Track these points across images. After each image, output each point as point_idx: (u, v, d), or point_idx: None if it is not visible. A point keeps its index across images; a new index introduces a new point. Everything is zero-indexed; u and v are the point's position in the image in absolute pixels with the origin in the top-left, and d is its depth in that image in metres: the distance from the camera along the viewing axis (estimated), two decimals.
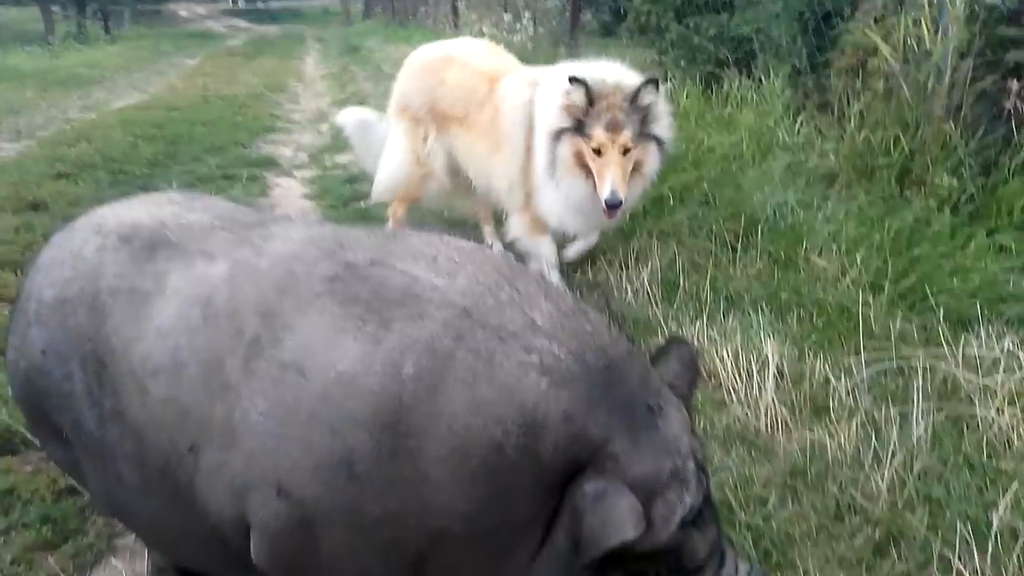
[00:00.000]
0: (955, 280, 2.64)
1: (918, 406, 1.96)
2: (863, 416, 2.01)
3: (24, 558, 1.72)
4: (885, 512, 1.70)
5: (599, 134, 2.54)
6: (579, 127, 2.59)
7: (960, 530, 1.59)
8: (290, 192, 4.97)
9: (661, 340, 2.50)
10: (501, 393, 1.05)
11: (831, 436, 1.96)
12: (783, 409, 2.12)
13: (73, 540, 1.79)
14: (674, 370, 1.23)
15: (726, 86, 5.15)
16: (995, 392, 1.99)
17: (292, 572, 1.23)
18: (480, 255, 1.24)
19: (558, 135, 2.63)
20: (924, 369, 2.12)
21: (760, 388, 2.19)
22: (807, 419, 2.09)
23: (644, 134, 2.60)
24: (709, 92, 5.32)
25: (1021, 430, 1.87)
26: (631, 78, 2.62)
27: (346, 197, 4.67)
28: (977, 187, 3.21)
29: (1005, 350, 2.18)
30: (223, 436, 1.18)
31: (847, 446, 1.92)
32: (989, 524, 1.59)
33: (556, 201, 2.78)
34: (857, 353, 2.30)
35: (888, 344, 2.29)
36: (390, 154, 3.30)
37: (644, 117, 2.59)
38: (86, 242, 1.41)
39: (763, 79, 5.07)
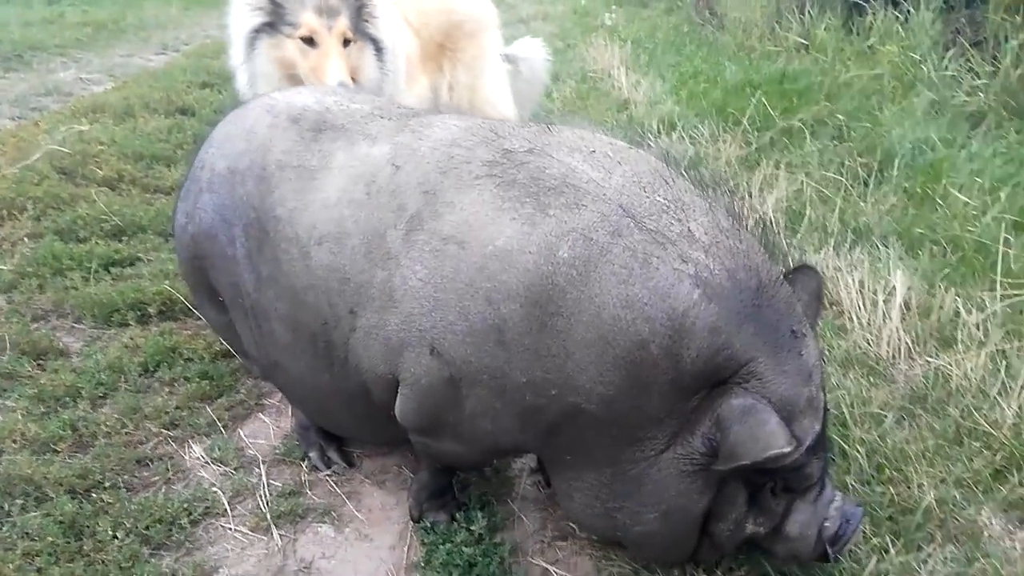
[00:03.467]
0: None
1: None
2: (993, 348, 1.96)
3: (187, 406, 1.93)
4: (1009, 439, 1.68)
5: (309, 19, 2.12)
6: (275, 22, 2.14)
7: None
8: None
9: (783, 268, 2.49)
10: (653, 295, 1.12)
11: (956, 365, 1.92)
12: (906, 338, 2.09)
13: (227, 395, 2.00)
14: (801, 298, 1.25)
15: (869, 18, 4.88)
16: None
17: (434, 426, 1.35)
18: (636, 155, 1.29)
19: (252, 39, 2.16)
20: None
21: (885, 317, 2.15)
22: (932, 349, 2.05)
23: (360, 30, 2.22)
24: (850, 25, 5.05)
25: None
26: None
27: None
28: None
29: None
30: (382, 299, 1.30)
31: (973, 376, 1.88)
32: None
33: None
34: (992, 289, 2.21)
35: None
36: None
37: (360, 9, 2.21)
38: (258, 120, 1.54)
39: (912, 11, 4.76)
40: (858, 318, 2.20)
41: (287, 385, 1.65)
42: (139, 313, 2.29)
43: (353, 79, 2.15)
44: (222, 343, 1.97)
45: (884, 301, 2.21)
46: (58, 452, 1.73)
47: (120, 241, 2.71)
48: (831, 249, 2.57)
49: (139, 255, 2.64)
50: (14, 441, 1.75)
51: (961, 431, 1.74)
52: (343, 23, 2.15)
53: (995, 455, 1.66)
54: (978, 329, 2.06)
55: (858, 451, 1.69)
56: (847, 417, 1.80)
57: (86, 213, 2.82)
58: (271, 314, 1.49)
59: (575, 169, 1.23)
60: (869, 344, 2.11)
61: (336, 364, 1.43)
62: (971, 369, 1.89)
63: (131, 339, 2.18)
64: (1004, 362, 1.91)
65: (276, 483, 1.71)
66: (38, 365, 2.06)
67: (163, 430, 1.84)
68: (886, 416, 1.81)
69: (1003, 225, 2.50)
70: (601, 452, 1.26)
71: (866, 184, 3.12)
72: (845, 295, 2.29)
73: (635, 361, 1.14)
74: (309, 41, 2.12)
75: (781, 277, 1.23)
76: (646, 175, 1.24)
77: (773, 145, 3.66)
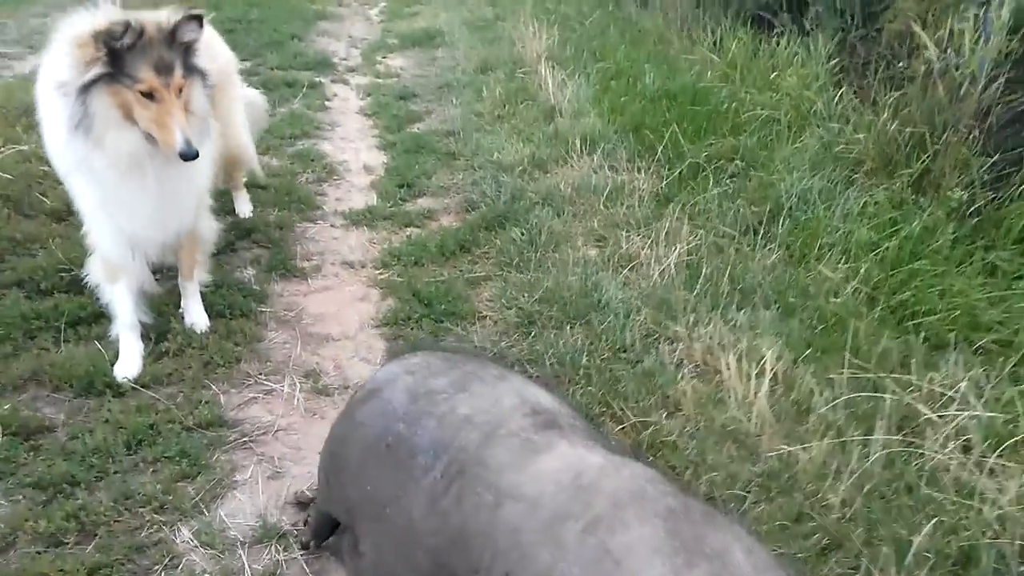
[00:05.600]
0: (942, 301, 3.01)
1: (879, 430, 2.40)
2: (835, 432, 2.46)
3: (171, 489, 2.25)
4: (833, 524, 2.19)
5: (149, 76, 2.28)
6: (115, 73, 2.29)
7: (884, 549, 2.08)
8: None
9: (681, 328, 2.93)
10: None
11: (803, 448, 2.42)
12: (770, 414, 2.57)
13: (204, 473, 2.32)
14: None
15: (775, 39, 5.26)
16: (941, 426, 2.42)
17: None
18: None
19: (87, 86, 2.28)
20: (892, 392, 2.54)
21: (755, 392, 2.63)
22: (789, 427, 2.55)
23: (188, 67, 2.42)
24: (759, 41, 5.42)
25: (954, 466, 2.31)
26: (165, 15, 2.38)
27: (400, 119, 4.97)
28: (986, 200, 3.50)
29: (964, 382, 2.58)
30: None
31: (816, 459, 2.38)
32: (909, 545, 2.07)
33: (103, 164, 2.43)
34: (842, 367, 2.72)
35: (869, 363, 2.71)
36: None
37: (186, 51, 2.40)
38: (505, 397, 1.79)
39: (812, 31, 5.15)
40: (734, 392, 2.67)
41: None
42: (116, 386, 2.56)
43: (187, 111, 2.43)
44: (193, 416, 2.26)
45: (757, 375, 2.68)
46: (67, 544, 2.04)
47: (82, 294, 2.91)
48: (718, 314, 3.03)
49: (101, 310, 2.86)
50: (26, 534, 2.04)
51: (802, 511, 2.25)
52: (178, 77, 2.35)
53: (822, 537, 2.17)
54: (828, 409, 2.56)
55: None
56: (716, 497, 2.28)
57: (45, 262, 2.99)
58: (421, 540, 1.69)
59: (731, 550, 1.39)
60: (742, 421, 2.59)
61: None
62: (816, 452, 2.39)
63: (110, 412, 2.46)
64: (841, 446, 2.41)
65: (257, 566, 2.07)
66: (31, 447, 2.33)
67: (154, 515, 2.16)
68: (749, 494, 2.30)
69: (859, 299, 3.01)
70: None
71: (756, 233, 3.58)
72: (724, 368, 2.75)
73: None
74: (148, 95, 2.31)
75: None
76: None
77: (682, 182, 4.07)
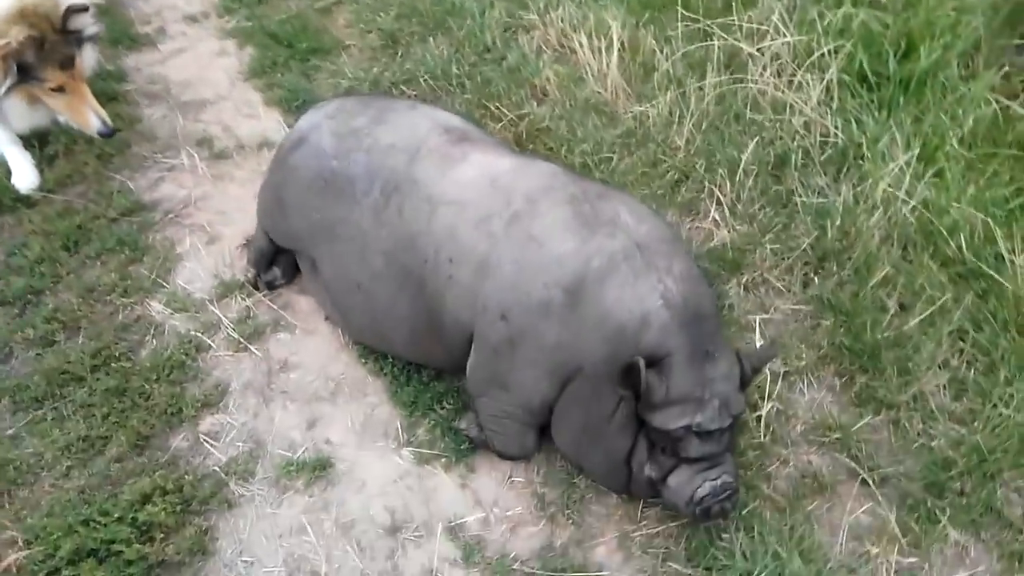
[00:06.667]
0: None
1: (711, 74, 2.83)
2: (676, 83, 2.88)
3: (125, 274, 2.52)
4: (681, 160, 2.70)
5: (55, 75, 2.43)
6: (23, 80, 2.42)
7: (720, 171, 2.62)
8: None
9: (535, 16, 3.14)
10: (635, 298, 1.79)
11: (652, 104, 2.84)
12: (622, 81, 2.95)
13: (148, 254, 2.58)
14: (758, 354, 1.95)
15: None
16: (760, 57, 2.86)
17: (490, 375, 2.01)
18: (658, 219, 1.98)
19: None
20: (719, 38, 2.93)
21: (608, 64, 2.97)
22: (639, 88, 2.94)
23: (80, 41, 2.50)
24: None
25: (772, 88, 2.80)
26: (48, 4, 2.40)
27: None
28: None
29: (777, 15, 2.97)
30: (479, 266, 1.92)
31: (663, 111, 2.82)
32: (738, 161, 2.61)
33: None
34: (677, 23, 3.05)
35: (699, 14, 3.04)
36: None
37: (79, 37, 2.49)
38: (420, 122, 2.11)
39: None
40: (590, 67, 3.01)
41: (351, 300, 2.18)
42: (25, 199, 2.68)
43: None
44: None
45: (606, 49, 3.00)
46: (59, 342, 2.34)
47: None
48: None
49: None
50: (18, 343, 2.32)
51: (656, 157, 2.74)
52: (79, 66, 2.49)
53: (675, 174, 2.68)
54: (669, 65, 2.94)
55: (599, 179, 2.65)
56: (588, 161, 2.72)
57: None
58: (373, 247, 2.06)
59: (620, 214, 1.88)
60: (600, 91, 2.95)
61: (420, 295, 2.02)
62: (663, 106, 2.82)
63: (33, 223, 2.61)
64: (681, 95, 2.84)
65: (231, 315, 2.45)
66: None
67: (122, 299, 2.45)
68: (614, 153, 2.75)
69: None
70: (584, 403, 1.94)
71: None
72: (579, 47, 3.04)
73: (615, 338, 1.82)
74: (59, 89, 2.47)
75: (717, 314, 1.95)
76: (658, 230, 1.91)
77: None
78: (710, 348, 1.80)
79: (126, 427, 2.15)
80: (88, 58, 2.57)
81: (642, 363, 1.71)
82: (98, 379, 2.25)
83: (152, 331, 2.40)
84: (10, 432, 2.16)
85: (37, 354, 2.31)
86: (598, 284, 1.82)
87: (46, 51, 2.38)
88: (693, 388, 1.77)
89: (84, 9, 2.44)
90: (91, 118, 2.53)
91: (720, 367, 1.80)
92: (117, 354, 2.31)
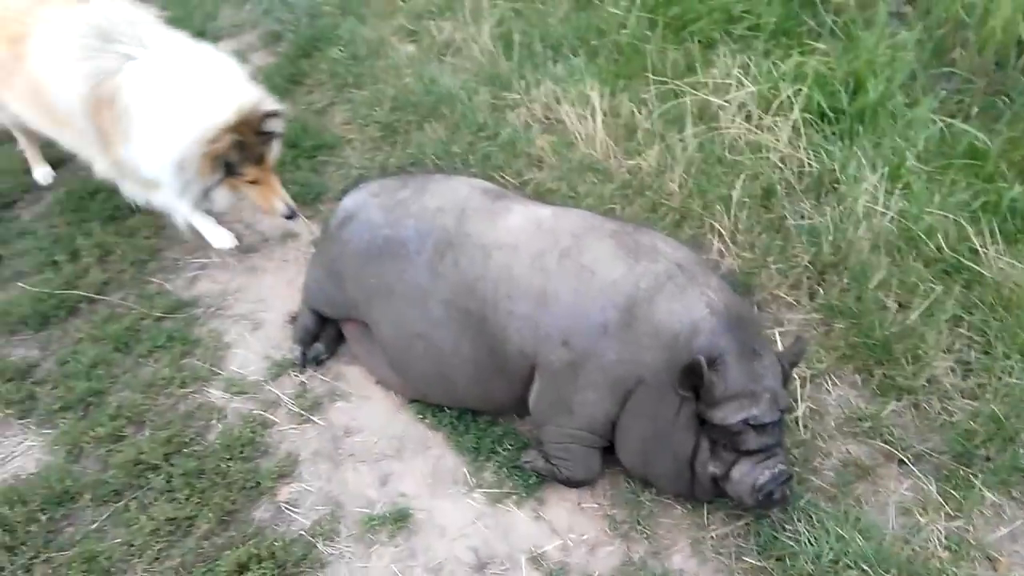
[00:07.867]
0: (703, 6, 3.70)
1: (689, 126, 3.15)
2: (660, 138, 3.19)
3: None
4: (678, 203, 2.98)
5: (253, 172, 2.70)
6: (228, 174, 2.68)
7: (717, 207, 2.90)
8: None
9: (518, 95, 3.45)
10: (684, 308, 2.01)
11: (641, 157, 3.13)
12: (609, 141, 3.25)
13: (199, 346, 2.71)
14: (791, 351, 2.15)
15: None
16: (729, 107, 3.20)
17: (555, 400, 2.17)
18: (690, 247, 2.27)
19: (208, 188, 2.70)
20: (689, 94, 3.27)
21: (593, 128, 3.27)
22: (625, 145, 3.24)
23: (271, 142, 2.74)
24: None
25: (744, 133, 3.13)
26: (252, 102, 2.63)
27: None
28: None
29: (736, 69, 3.34)
30: (537, 298, 2.11)
31: (653, 163, 3.11)
32: (730, 198, 2.90)
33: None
34: (648, 86, 3.39)
35: (666, 75, 3.39)
36: None
37: (270, 136, 2.72)
38: (459, 187, 2.35)
39: None
40: (578, 134, 3.30)
41: (411, 352, 2.32)
42: (69, 307, 2.78)
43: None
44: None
45: (590, 115, 3.31)
46: (128, 436, 2.43)
47: None
48: (543, 72, 3.56)
49: None
50: (90, 442, 2.40)
51: (655, 203, 3.01)
52: (269, 160, 2.74)
53: (674, 215, 2.95)
54: (648, 124, 3.25)
55: None
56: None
57: None
58: (432, 298, 2.23)
59: (657, 244, 2.14)
60: (590, 151, 3.24)
61: (482, 334, 2.19)
62: (652, 158, 3.11)
63: (80, 332, 2.72)
64: (667, 147, 3.15)
65: (288, 391, 2.58)
66: (32, 384, 2.59)
67: (180, 389, 2.56)
68: (616, 205, 3.01)
69: (643, 25, 3.62)
70: (648, 411, 2.06)
71: None
72: (565, 117, 3.35)
73: (672, 345, 2.02)
74: (254, 181, 2.74)
75: (756, 317, 2.28)
76: (691, 255, 2.17)
77: None
78: (756, 347, 2.00)
79: (210, 504, 2.24)
80: (275, 152, 2.81)
81: (704, 360, 1.91)
82: (173, 464, 2.33)
83: (216, 415, 2.50)
84: (94, 526, 2.23)
85: (108, 450, 2.39)
86: (648, 302, 2.03)
87: (246, 151, 2.64)
88: (747, 383, 1.96)
89: (277, 114, 2.70)
90: (278, 204, 2.78)
91: (766, 363, 2.00)
92: (187, 439, 2.41)
